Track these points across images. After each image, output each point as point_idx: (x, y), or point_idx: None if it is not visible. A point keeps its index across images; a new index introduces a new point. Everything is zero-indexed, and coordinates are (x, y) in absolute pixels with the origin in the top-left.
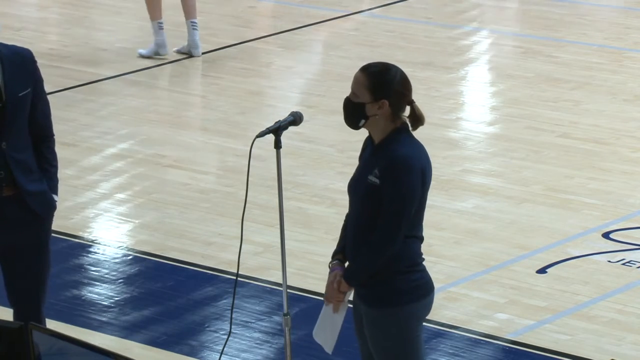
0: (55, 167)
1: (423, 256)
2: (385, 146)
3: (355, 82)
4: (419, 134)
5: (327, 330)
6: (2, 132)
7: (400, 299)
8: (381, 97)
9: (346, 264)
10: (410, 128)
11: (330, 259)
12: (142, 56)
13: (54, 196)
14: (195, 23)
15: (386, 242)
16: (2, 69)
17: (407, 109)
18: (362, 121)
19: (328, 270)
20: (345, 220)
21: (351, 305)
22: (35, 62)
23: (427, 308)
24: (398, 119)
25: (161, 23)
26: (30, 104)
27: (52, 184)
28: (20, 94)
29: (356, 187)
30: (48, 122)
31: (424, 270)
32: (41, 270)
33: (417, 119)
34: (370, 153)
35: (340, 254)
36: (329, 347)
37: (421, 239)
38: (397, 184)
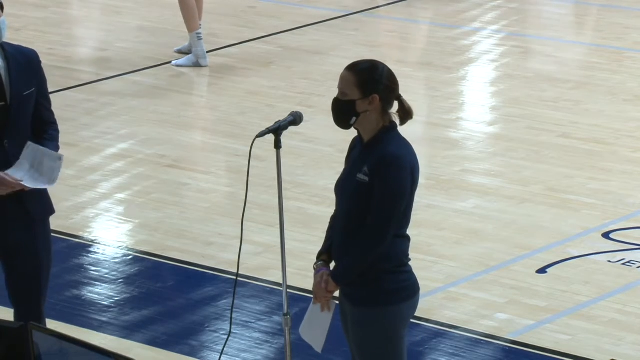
0: (57, 138)
1: (410, 257)
2: (374, 145)
3: (343, 81)
4: (420, 133)
5: (316, 329)
6: (5, 131)
7: (387, 299)
8: (372, 92)
9: (331, 265)
10: (399, 123)
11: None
12: (180, 66)
13: (58, 152)
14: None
15: (376, 240)
16: (7, 68)
17: (395, 105)
18: (354, 119)
19: (314, 270)
20: (330, 222)
21: (337, 302)
22: (40, 62)
23: (413, 309)
24: (387, 116)
25: (199, 33)
26: (36, 103)
27: (54, 143)
28: (24, 93)
29: (344, 185)
30: (52, 116)
31: (410, 272)
32: (42, 269)
33: (407, 113)
34: (359, 152)
35: (325, 254)
36: (318, 346)
37: (408, 238)
38: (387, 182)
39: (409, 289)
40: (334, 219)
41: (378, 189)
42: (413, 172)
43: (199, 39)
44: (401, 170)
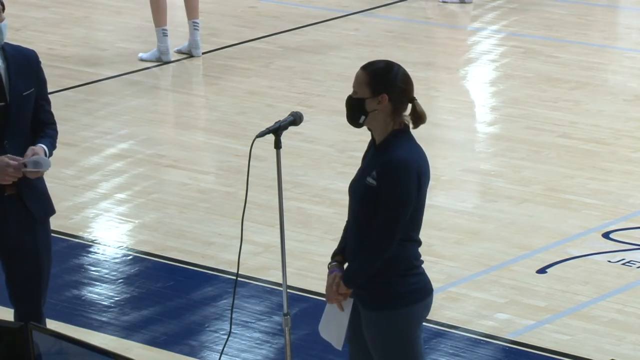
0: (54, 137)
1: (422, 258)
2: (384, 148)
3: (356, 79)
4: (420, 133)
5: (333, 327)
6: (5, 131)
7: (399, 302)
8: (381, 91)
9: (345, 265)
10: (411, 127)
11: (329, 260)
12: (143, 60)
13: (47, 154)
14: (197, 23)
15: (382, 244)
16: (7, 68)
17: (409, 107)
18: (362, 117)
19: (328, 270)
20: (346, 222)
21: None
22: (39, 62)
23: (426, 310)
24: (399, 118)
25: (165, 30)
26: (35, 104)
27: (51, 140)
28: (24, 94)
29: (355, 188)
30: (51, 117)
31: (422, 273)
32: (42, 270)
33: (419, 117)
34: (371, 154)
35: (339, 255)
36: (337, 344)
37: (419, 243)
38: (392, 187)
39: (420, 291)
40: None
41: (384, 193)
42: (420, 176)
43: (164, 35)
44: (406, 175)
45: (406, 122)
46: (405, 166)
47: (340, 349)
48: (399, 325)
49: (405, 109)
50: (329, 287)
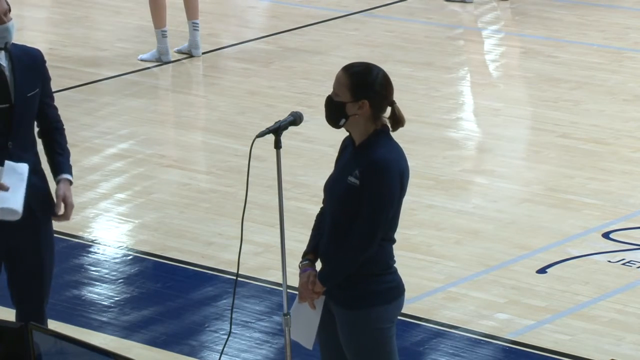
0: (65, 140)
1: (395, 258)
2: (365, 148)
3: (337, 81)
4: (420, 133)
5: (304, 327)
6: (9, 132)
7: (373, 301)
8: (362, 97)
9: (317, 264)
10: (390, 130)
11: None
12: (143, 60)
13: (69, 176)
14: (197, 24)
15: (364, 244)
16: (12, 69)
17: (388, 110)
18: (343, 120)
19: (299, 269)
20: (316, 220)
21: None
22: (44, 61)
23: (399, 309)
24: (378, 120)
25: (165, 31)
26: (40, 102)
27: (65, 162)
28: (29, 94)
29: (334, 187)
30: (56, 113)
31: (395, 273)
32: (45, 270)
33: (398, 121)
34: (350, 154)
35: (310, 254)
36: (307, 343)
37: (394, 241)
38: (377, 187)
39: (394, 290)
40: (320, 218)
41: (367, 193)
42: (402, 177)
43: (164, 36)
44: (390, 176)
45: (385, 123)
46: (389, 166)
47: (310, 348)
48: (372, 324)
49: (384, 111)
50: (303, 285)
